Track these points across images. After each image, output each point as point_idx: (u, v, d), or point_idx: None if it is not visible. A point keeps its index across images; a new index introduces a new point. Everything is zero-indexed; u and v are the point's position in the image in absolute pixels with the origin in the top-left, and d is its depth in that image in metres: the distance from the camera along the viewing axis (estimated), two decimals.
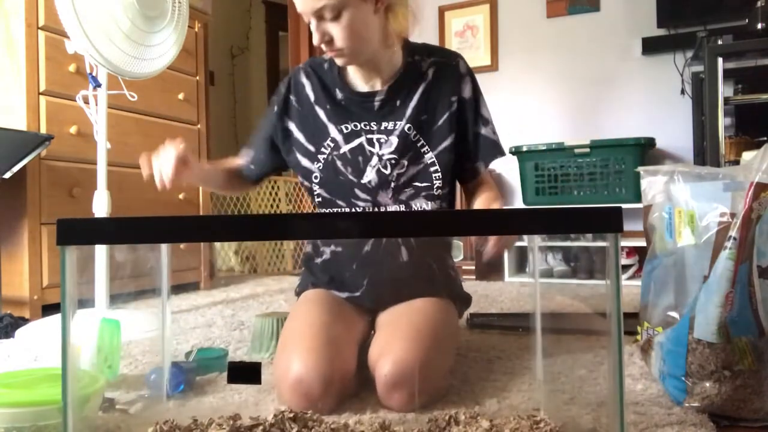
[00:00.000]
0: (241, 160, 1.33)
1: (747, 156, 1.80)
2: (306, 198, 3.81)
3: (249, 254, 3.49)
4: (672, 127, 2.99)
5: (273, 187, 3.64)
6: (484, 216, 0.65)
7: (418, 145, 1.18)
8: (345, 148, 1.19)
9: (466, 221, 0.61)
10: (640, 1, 3.04)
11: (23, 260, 2.00)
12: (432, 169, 1.18)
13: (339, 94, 1.21)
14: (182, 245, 2.58)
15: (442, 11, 3.45)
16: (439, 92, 1.20)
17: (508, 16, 3.34)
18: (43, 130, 2.02)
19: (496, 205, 1.15)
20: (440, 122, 1.19)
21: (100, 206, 1.78)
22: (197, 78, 2.74)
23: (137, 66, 1.76)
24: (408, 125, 1.18)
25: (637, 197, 2.61)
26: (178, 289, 2.62)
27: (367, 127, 1.19)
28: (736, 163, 2.35)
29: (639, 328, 1.10)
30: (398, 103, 1.19)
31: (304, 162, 1.22)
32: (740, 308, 0.90)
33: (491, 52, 3.35)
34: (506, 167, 3.19)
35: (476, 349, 1.38)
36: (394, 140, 1.17)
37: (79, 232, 0.59)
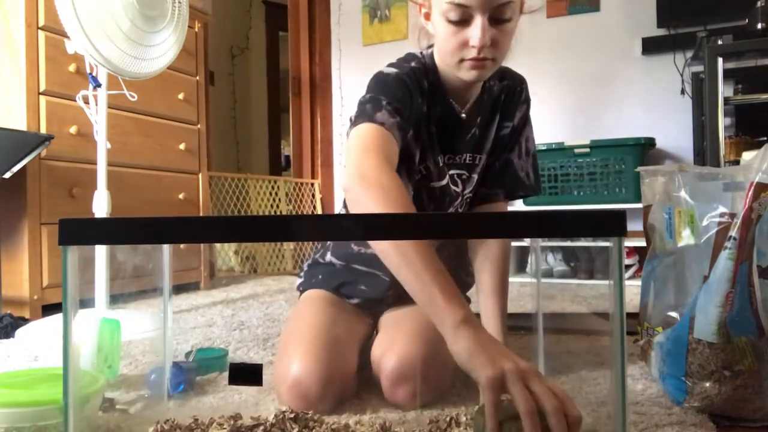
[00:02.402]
0: (378, 140, 0.97)
1: (747, 156, 1.80)
2: (306, 198, 3.80)
3: (249, 254, 3.49)
4: (672, 127, 2.99)
5: (273, 187, 3.63)
6: (486, 219, 0.65)
7: None
8: (435, 184, 1.13)
9: (466, 224, 0.61)
10: (640, 1, 3.04)
11: (23, 260, 2.00)
12: None
13: (438, 113, 1.10)
14: (182, 245, 2.58)
15: None
16: (504, 119, 1.17)
17: None
18: (43, 130, 2.02)
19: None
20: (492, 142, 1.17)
21: (100, 206, 1.78)
22: (197, 78, 2.74)
23: (137, 66, 1.75)
24: (485, 160, 1.16)
25: (637, 197, 2.61)
26: (178, 289, 2.62)
27: (451, 161, 1.14)
28: (736, 163, 2.35)
29: (639, 329, 1.10)
30: (478, 133, 1.14)
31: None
32: (740, 308, 0.90)
33: None
34: None
35: None
36: (475, 178, 1.15)
37: (80, 232, 0.59)
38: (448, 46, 0.99)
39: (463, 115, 1.12)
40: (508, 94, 1.17)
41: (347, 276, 1.19)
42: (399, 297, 1.16)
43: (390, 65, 1.08)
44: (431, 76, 1.09)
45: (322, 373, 0.94)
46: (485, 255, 1.16)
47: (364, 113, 0.99)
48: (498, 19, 0.96)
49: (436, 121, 1.10)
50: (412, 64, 1.08)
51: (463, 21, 0.96)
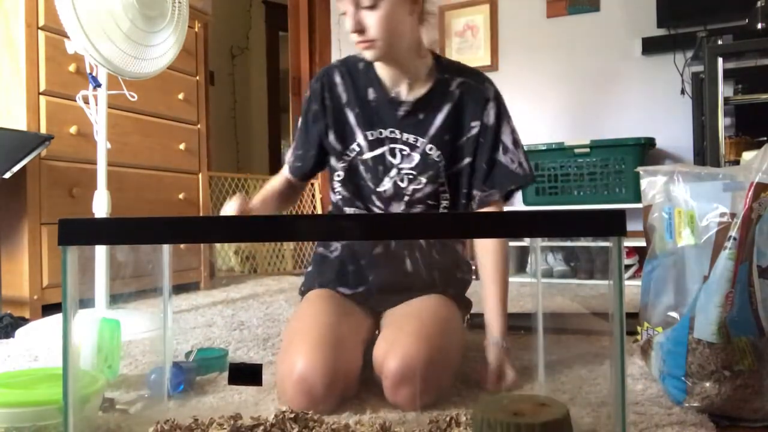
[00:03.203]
0: (284, 169, 1.34)
1: (747, 156, 1.80)
2: (306, 198, 3.81)
3: (249, 254, 3.49)
4: (672, 127, 2.99)
5: None
6: (486, 219, 0.65)
7: (440, 165, 1.19)
8: (368, 155, 1.21)
9: (467, 224, 0.61)
10: (640, 1, 3.04)
11: (23, 260, 2.00)
12: (441, 189, 1.21)
13: (371, 94, 1.22)
14: (182, 245, 2.58)
15: (442, 11, 3.45)
16: (463, 114, 1.20)
17: (508, 16, 3.34)
18: (43, 130, 2.02)
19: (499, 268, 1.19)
20: (459, 143, 1.20)
21: (100, 206, 1.78)
22: (197, 78, 2.74)
23: (137, 66, 1.76)
24: (430, 145, 1.19)
25: (637, 197, 2.60)
26: (178, 289, 2.62)
27: (392, 135, 1.20)
28: (736, 163, 2.35)
29: (639, 328, 1.10)
30: (422, 117, 1.20)
31: (332, 160, 1.26)
32: (740, 308, 0.90)
33: (491, 52, 3.35)
34: None
35: (476, 349, 1.38)
36: (416, 157, 1.19)
37: (80, 232, 0.59)
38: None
39: (393, 95, 1.20)
40: (466, 92, 1.21)
41: (339, 269, 1.23)
42: (390, 286, 1.19)
43: None
44: (362, 65, 1.24)
45: (328, 371, 0.95)
46: (483, 251, 1.20)
47: None
48: (363, 6, 1.08)
49: (369, 101, 1.22)
50: (344, 58, 1.28)
51: (345, 12, 1.10)
